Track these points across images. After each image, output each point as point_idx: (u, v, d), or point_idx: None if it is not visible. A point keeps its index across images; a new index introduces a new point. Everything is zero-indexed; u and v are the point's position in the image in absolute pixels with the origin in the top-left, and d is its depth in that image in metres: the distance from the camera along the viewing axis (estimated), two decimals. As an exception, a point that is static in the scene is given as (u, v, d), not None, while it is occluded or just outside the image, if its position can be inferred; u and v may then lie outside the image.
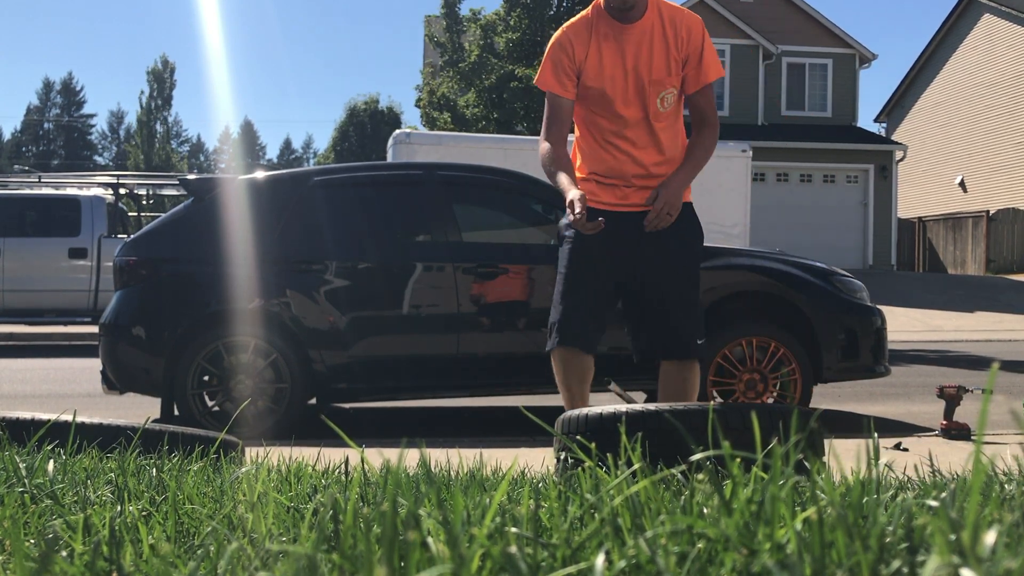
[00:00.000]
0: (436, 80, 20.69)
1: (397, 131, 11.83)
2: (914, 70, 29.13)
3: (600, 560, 0.87)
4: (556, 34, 3.26)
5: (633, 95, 3.18)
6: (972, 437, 4.82)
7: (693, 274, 3.27)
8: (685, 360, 3.19)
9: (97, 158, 71.96)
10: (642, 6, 3.14)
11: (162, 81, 62.11)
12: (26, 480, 1.64)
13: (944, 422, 4.97)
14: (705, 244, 5.49)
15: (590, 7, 3.26)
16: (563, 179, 3.09)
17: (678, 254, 3.22)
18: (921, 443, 4.67)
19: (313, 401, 5.43)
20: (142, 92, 61.65)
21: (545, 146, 3.21)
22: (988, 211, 24.57)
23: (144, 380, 5.30)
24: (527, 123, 18.81)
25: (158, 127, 61.48)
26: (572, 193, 2.97)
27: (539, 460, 3.28)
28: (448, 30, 19.39)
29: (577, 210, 2.89)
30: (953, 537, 0.82)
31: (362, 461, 1.66)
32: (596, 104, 3.21)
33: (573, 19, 3.27)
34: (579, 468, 1.48)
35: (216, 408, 5.19)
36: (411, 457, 3.40)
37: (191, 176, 6.09)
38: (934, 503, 1.09)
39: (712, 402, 3.49)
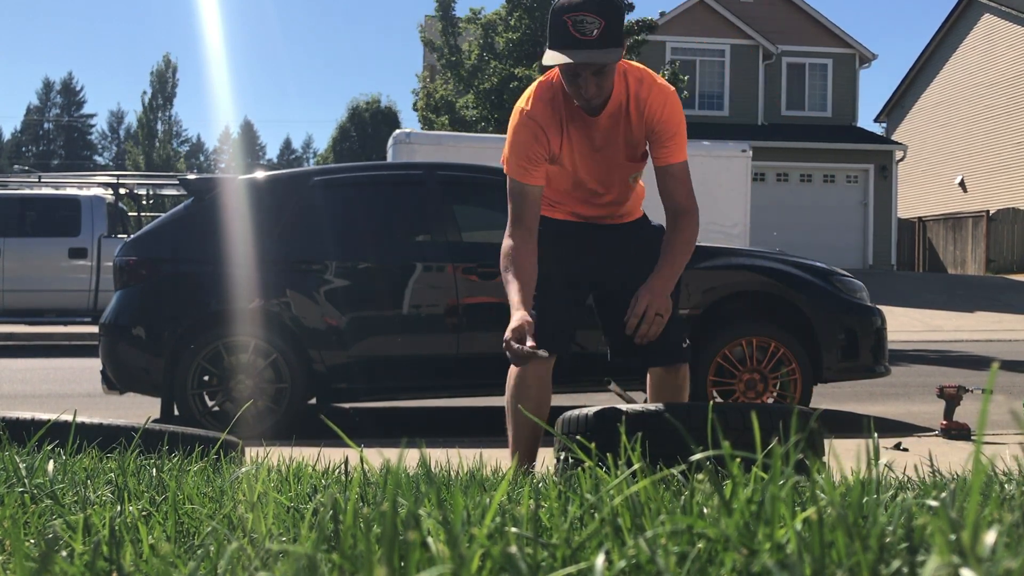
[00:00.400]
0: (433, 84, 20.69)
1: (397, 131, 11.82)
2: (914, 70, 29.13)
3: (600, 560, 0.87)
4: (521, 118, 2.86)
5: (603, 175, 3.00)
6: (972, 437, 4.82)
7: None
8: (674, 365, 3.16)
9: (97, 158, 71.97)
10: (607, 94, 2.80)
11: (164, 81, 62.08)
12: (26, 480, 1.64)
13: (944, 422, 4.97)
14: (705, 244, 5.49)
15: (553, 78, 2.88)
16: (514, 294, 2.76)
17: (649, 263, 2.96)
18: (921, 443, 4.67)
19: (313, 401, 5.43)
20: (144, 92, 61.67)
21: (507, 244, 2.85)
22: (988, 211, 24.58)
23: (144, 380, 5.30)
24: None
25: (159, 127, 61.45)
26: (517, 316, 2.66)
27: (539, 460, 3.28)
28: (444, 32, 19.36)
29: (515, 338, 2.59)
30: (953, 537, 0.82)
31: (361, 461, 1.66)
32: (567, 180, 3.04)
33: (536, 98, 2.87)
34: (579, 468, 1.48)
35: (216, 408, 5.19)
36: (411, 457, 3.40)
37: (191, 176, 6.10)
38: (934, 503, 1.09)
39: (712, 401, 3.48)
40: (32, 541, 1.33)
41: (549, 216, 3.08)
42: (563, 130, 2.87)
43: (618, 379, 3.55)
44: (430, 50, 19.67)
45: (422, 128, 21.10)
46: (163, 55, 70.59)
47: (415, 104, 21.18)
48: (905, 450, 4.40)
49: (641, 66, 2.94)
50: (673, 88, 2.93)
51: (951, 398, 4.99)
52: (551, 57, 2.67)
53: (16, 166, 48.65)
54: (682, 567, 0.91)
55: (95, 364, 5.71)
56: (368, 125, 46.40)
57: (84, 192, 11.72)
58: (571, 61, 2.63)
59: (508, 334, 2.64)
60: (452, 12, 19.35)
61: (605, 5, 2.66)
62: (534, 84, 2.93)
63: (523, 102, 2.91)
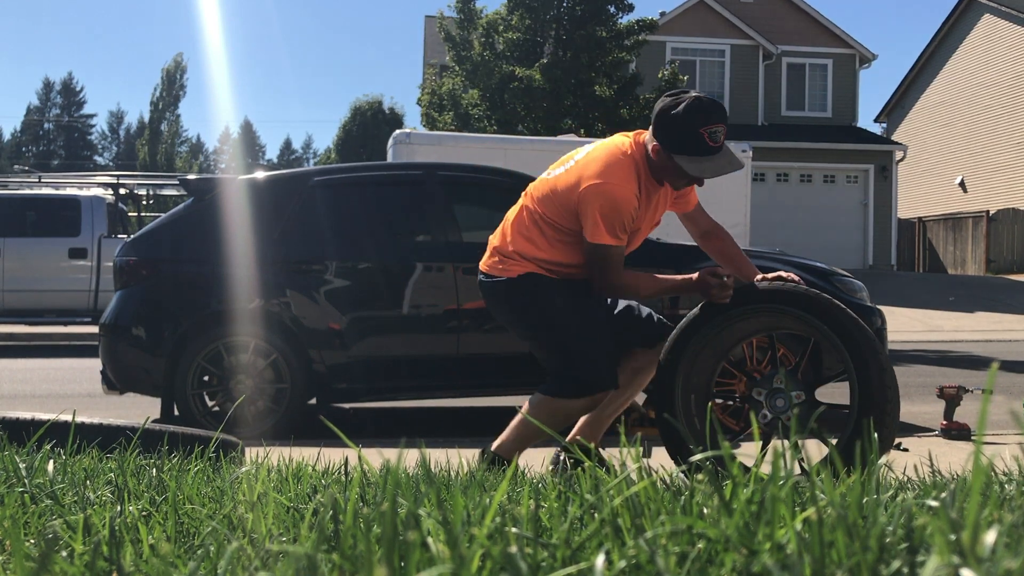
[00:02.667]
0: (442, 79, 20.70)
1: (397, 131, 11.81)
2: (914, 70, 29.13)
3: (600, 560, 0.87)
4: (618, 191, 3.03)
5: (648, 229, 3.33)
6: (972, 437, 4.82)
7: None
8: (663, 342, 3.36)
9: (97, 158, 71.96)
10: None
11: (173, 81, 62.08)
12: (26, 480, 1.64)
13: (944, 422, 4.97)
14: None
15: (632, 143, 3.12)
16: (671, 277, 3.24)
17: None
18: (921, 443, 4.67)
19: (313, 401, 5.43)
20: (155, 89, 61.64)
21: (624, 280, 3.18)
22: (988, 211, 24.57)
23: (144, 380, 5.30)
24: (527, 123, 18.79)
25: (163, 127, 61.44)
26: (697, 274, 3.16)
27: (539, 460, 3.29)
28: (461, 27, 19.37)
29: (722, 283, 3.11)
30: (953, 537, 0.82)
31: (360, 460, 1.66)
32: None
33: (629, 174, 3.06)
34: (578, 468, 1.48)
35: (216, 408, 5.19)
36: (411, 457, 3.40)
37: (191, 176, 6.09)
38: (934, 503, 1.09)
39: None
40: (32, 541, 1.33)
41: (577, 275, 3.24)
42: (642, 198, 3.14)
43: None
44: (444, 39, 19.67)
45: (425, 126, 21.13)
46: (174, 55, 70.19)
47: (419, 100, 21.19)
48: (905, 450, 4.40)
49: None
50: None
51: (951, 398, 4.99)
52: (696, 168, 3.00)
53: (16, 166, 48.59)
54: (682, 567, 0.91)
55: (95, 364, 5.71)
56: (371, 125, 46.41)
57: (84, 192, 11.71)
58: (721, 174, 3.06)
59: (710, 278, 3.08)
60: (472, 4, 19.35)
61: (724, 110, 3.04)
62: (618, 160, 3.07)
63: (618, 179, 3.04)
